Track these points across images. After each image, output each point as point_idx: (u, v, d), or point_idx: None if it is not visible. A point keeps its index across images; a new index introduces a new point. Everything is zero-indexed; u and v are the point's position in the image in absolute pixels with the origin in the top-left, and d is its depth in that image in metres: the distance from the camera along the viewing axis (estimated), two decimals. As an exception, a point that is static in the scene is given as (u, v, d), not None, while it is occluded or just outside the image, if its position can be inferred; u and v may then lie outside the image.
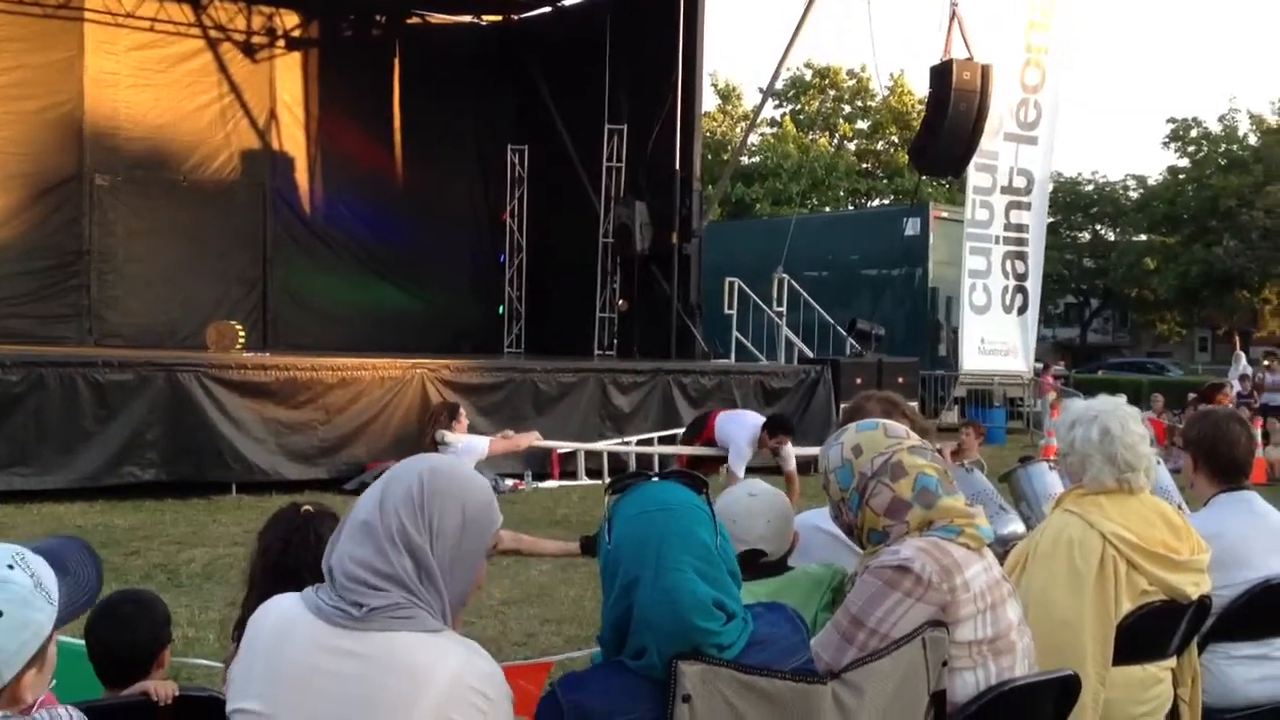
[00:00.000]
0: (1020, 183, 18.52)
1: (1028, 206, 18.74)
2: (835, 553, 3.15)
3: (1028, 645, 2.68)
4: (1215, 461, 3.99)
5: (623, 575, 2.13)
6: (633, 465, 13.73)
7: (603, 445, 13.67)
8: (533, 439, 9.51)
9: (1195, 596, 3.37)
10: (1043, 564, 3.38)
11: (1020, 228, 18.60)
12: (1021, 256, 18.67)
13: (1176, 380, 30.61)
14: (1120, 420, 3.44)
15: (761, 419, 10.76)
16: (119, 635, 3.06)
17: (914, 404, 16.44)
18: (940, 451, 5.43)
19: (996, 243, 18.37)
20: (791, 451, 10.51)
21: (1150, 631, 3.36)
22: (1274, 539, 3.90)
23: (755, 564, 2.98)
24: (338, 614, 2.03)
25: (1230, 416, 4.22)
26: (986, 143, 17.58)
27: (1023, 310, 18.71)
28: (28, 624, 1.86)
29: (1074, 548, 3.34)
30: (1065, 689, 2.78)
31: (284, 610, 2.12)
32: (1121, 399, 3.61)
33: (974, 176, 18.03)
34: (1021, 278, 18.60)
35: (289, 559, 2.81)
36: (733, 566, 2.19)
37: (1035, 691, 2.71)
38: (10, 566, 1.88)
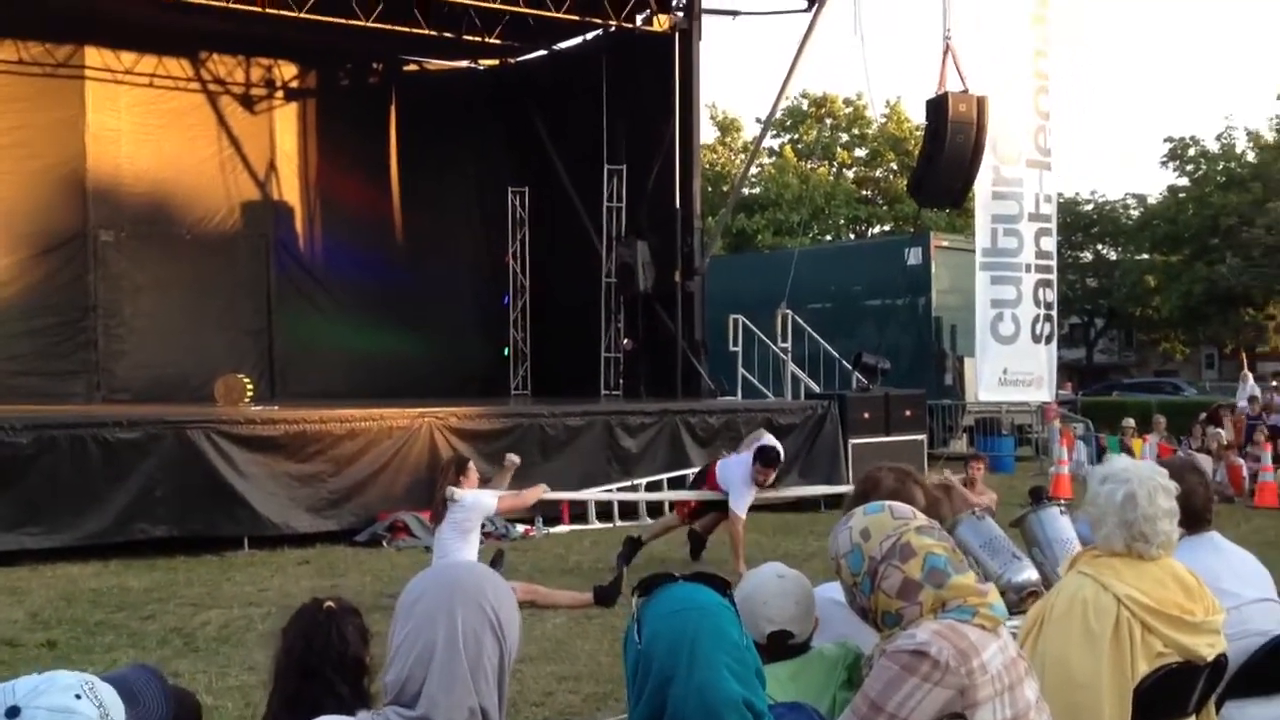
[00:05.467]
0: (1047, 209, 18.53)
1: (1051, 233, 18.76)
2: (853, 626, 3.15)
3: (1047, 723, 2.69)
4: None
5: (656, 673, 2.16)
6: (643, 509, 13.75)
7: (610, 495, 13.60)
8: (540, 493, 9.57)
9: (1211, 657, 3.38)
10: (1058, 626, 3.40)
11: (1049, 254, 18.60)
12: (1050, 284, 18.66)
13: (1194, 401, 30.30)
14: (1149, 490, 3.44)
15: (751, 455, 10.89)
16: None
17: (923, 436, 16.51)
18: (975, 512, 5.46)
19: (1028, 271, 18.30)
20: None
21: (1168, 692, 3.36)
22: (1241, 570, 4.11)
23: (784, 645, 3.00)
24: None
25: (1186, 466, 4.30)
26: (1008, 170, 17.65)
27: (1049, 339, 18.68)
28: None
29: (1089, 610, 3.36)
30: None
31: None
32: (1160, 469, 3.62)
33: (993, 205, 18.03)
34: (1050, 306, 18.58)
35: (312, 657, 2.81)
36: (759, 666, 2.22)
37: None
38: (78, 696, 1.86)
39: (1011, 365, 18.29)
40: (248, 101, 18.72)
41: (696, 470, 12.88)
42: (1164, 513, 3.45)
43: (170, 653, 7.49)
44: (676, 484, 14.15)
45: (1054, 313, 18.92)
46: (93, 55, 17.29)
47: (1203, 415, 21.72)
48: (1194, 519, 4.04)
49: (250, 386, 15.17)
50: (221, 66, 18.49)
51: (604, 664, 7.07)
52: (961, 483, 11.59)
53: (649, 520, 13.16)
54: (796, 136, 47.82)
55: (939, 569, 2.64)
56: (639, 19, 18.08)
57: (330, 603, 2.89)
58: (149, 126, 17.73)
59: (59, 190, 17.00)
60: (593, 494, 13.41)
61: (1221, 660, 3.43)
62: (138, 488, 11.34)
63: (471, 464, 9.31)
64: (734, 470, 10.87)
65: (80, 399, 16.34)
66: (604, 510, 13.64)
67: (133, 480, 11.34)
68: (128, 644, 7.73)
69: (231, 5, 15.82)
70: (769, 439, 11.43)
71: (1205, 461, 14.54)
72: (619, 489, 13.78)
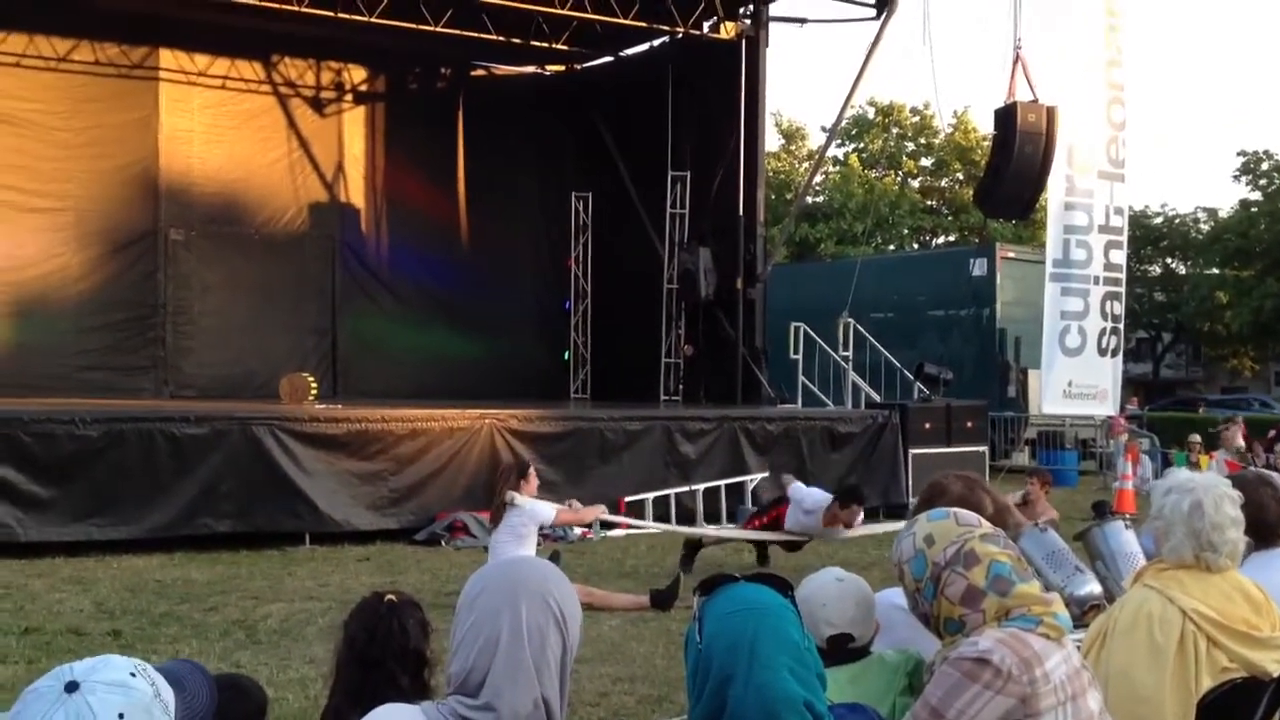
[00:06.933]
0: (1117, 221, 18.31)
1: (1121, 245, 18.53)
2: (915, 631, 3.14)
3: (1110, 733, 2.66)
4: (1247, 525, 3.99)
5: (716, 673, 2.17)
6: (700, 514, 13.74)
7: (668, 527, 12.68)
8: (598, 513, 9.65)
9: (1276, 674, 3.33)
10: (1123, 640, 3.37)
11: (1118, 267, 18.37)
12: (1118, 297, 18.42)
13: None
14: (1215, 499, 3.41)
15: (828, 495, 10.49)
16: None
17: (984, 448, 16.36)
18: (1038, 524, 5.40)
19: (1096, 283, 18.08)
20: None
21: (1231, 708, 3.32)
22: None
23: (843, 649, 3.00)
24: None
25: (1259, 480, 4.22)
26: (1080, 181, 17.44)
27: (1115, 352, 18.44)
28: None
29: (1154, 623, 3.33)
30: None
31: None
32: (1223, 479, 3.58)
33: (1066, 216, 17.82)
34: (1117, 319, 18.34)
35: (374, 649, 2.85)
36: (820, 669, 2.22)
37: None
38: (132, 674, 1.92)
39: (1077, 378, 18.03)
40: (317, 104, 18.95)
41: (765, 497, 12.69)
42: (1231, 521, 3.42)
43: (232, 644, 7.60)
44: (734, 491, 14.16)
45: (1121, 326, 18.65)
46: (166, 57, 17.58)
47: (1271, 433, 21.39)
48: (1264, 533, 3.99)
49: (314, 385, 15.34)
50: (292, 69, 18.74)
51: (659, 667, 7.08)
52: (1023, 498, 11.46)
53: (706, 528, 13.16)
54: (862, 145, 47.60)
55: (1003, 576, 2.62)
56: (706, 26, 18.06)
57: (392, 596, 2.93)
58: (220, 128, 18.00)
59: (131, 189, 17.31)
60: (650, 525, 12.74)
61: (1288, 677, 3.38)
62: (203, 482, 11.51)
63: (533, 469, 9.39)
64: (807, 496, 10.53)
65: (148, 394, 16.62)
66: (661, 514, 13.64)
67: (198, 475, 11.51)
68: (191, 635, 7.84)
69: (303, 9, 16.02)
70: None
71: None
72: (676, 494, 13.73)
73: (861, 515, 10.63)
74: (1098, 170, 17.86)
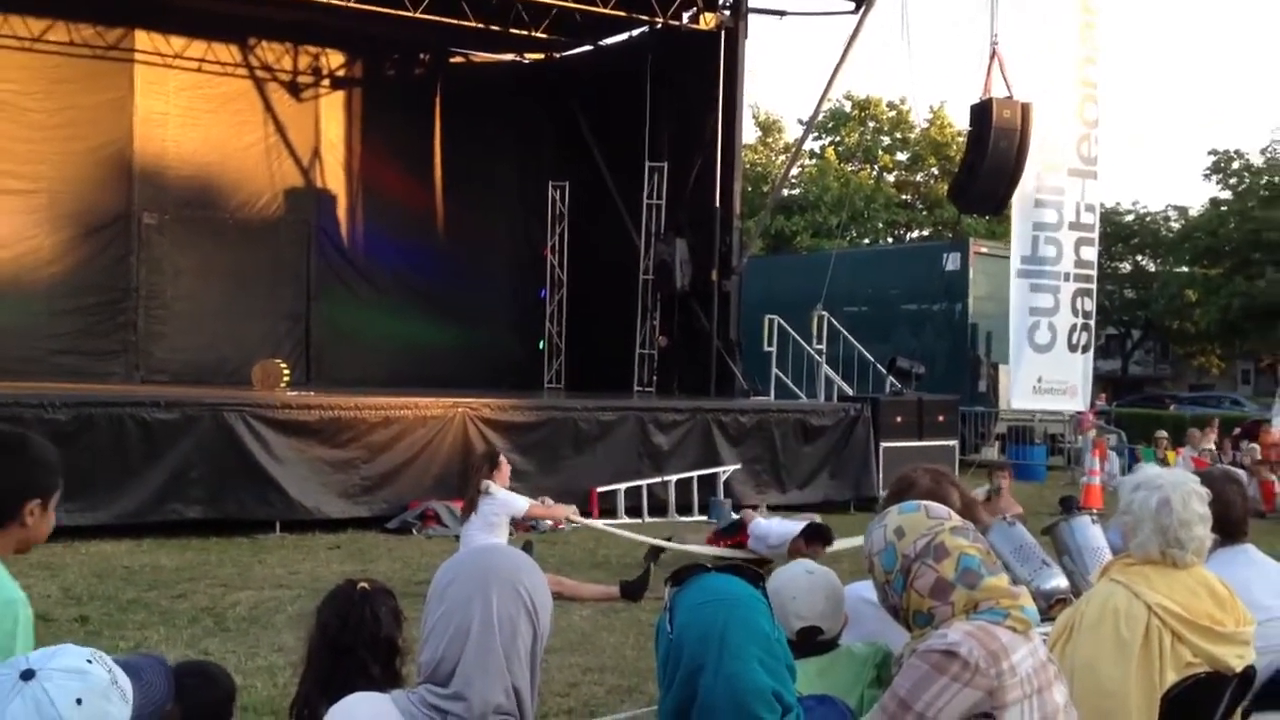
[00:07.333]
0: (1088, 219, 18.39)
1: (1092, 243, 18.62)
2: (884, 624, 3.16)
3: (1074, 727, 2.69)
4: (1213, 521, 4.05)
5: (687, 663, 2.18)
6: (672, 505, 13.77)
7: (639, 536, 11.74)
8: (568, 512, 9.76)
9: (1239, 669, 3.37)
10: (1089, 633, 3.40)
11: (1089, 264, 18.46)
12: (1089, 294, 18.51)
13: (1252, 417, 29.54)
14: (1183, 496, 3.44)
15: (796, 527, 10.34)
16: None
17: (955, 442, 16.45)
18: (1006, 518, 5.44)
19: (1066, 280, 18.17)
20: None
21: (1194, 703, 3.36)
22: (1276, 582, 4.08)
23: (812, 641, 3.02)
24: None
25: (1225, 477, 4.28)
26: (1050, 178, 17.50)
27: (1086, 348, 18.54)
28: (104, 716, 1.91)
29: (1120, 618, 3.36)
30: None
31: (374, 714, 2.16)
32: (1191, 476, 3.62)
33: (1035, 213, 17.89)
34: (1088, 315, 18.44)
35: (346, 636, 2.86)
36: (789, 660, 2.23)
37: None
38: (89, 661, 1.94)
39: (1046, 374, 18.11)
40: (294, 89, 18.84)
41: (727, 468, 12.81)
42: (1198, 518, 3.45)
43: (200, 632, 7.58)
44: (706, 482, 14.19)
45: (1092, 322, 18.74)
46: (143, 39, 17.44)
47: (1237, 430, 21.58)
48: (1230, 530, 4.04)
49: (287, 372, 15.29)
50: (269, 53, 18.62)
51: (629, 657, 7.10)
52: (989, 493, 11.55)
53: (679, 518, 13.16)
54: (838, 139, 47.69)
55: (972, 570, 2.65)
56: (685, 16, 18.06)
57: (365, 583, 2.94)
58: (196, 111, 17.87)
59: (105, 172, 17.18)
60: (623, 530, 11.88)
61: (1250, 672, 3.42)
62: (173, 468, 11.46)
63: (503, 458, 9.39)
64: (770, 530, 10.41)
65: (119, 379, 16.51)
66: (633, 505, 13.65)
67: (168, 461, 11.46)
68: (159, 621, 7.82)
69: (281, -8, 15.92)
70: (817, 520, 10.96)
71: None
72: (648, 484, 13.72)
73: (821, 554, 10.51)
74: (1068, 168, 17.93)
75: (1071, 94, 17.83)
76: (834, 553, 10.10)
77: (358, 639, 2.82)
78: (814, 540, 10.11)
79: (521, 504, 8.99)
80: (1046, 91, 16.82)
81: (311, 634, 2.94)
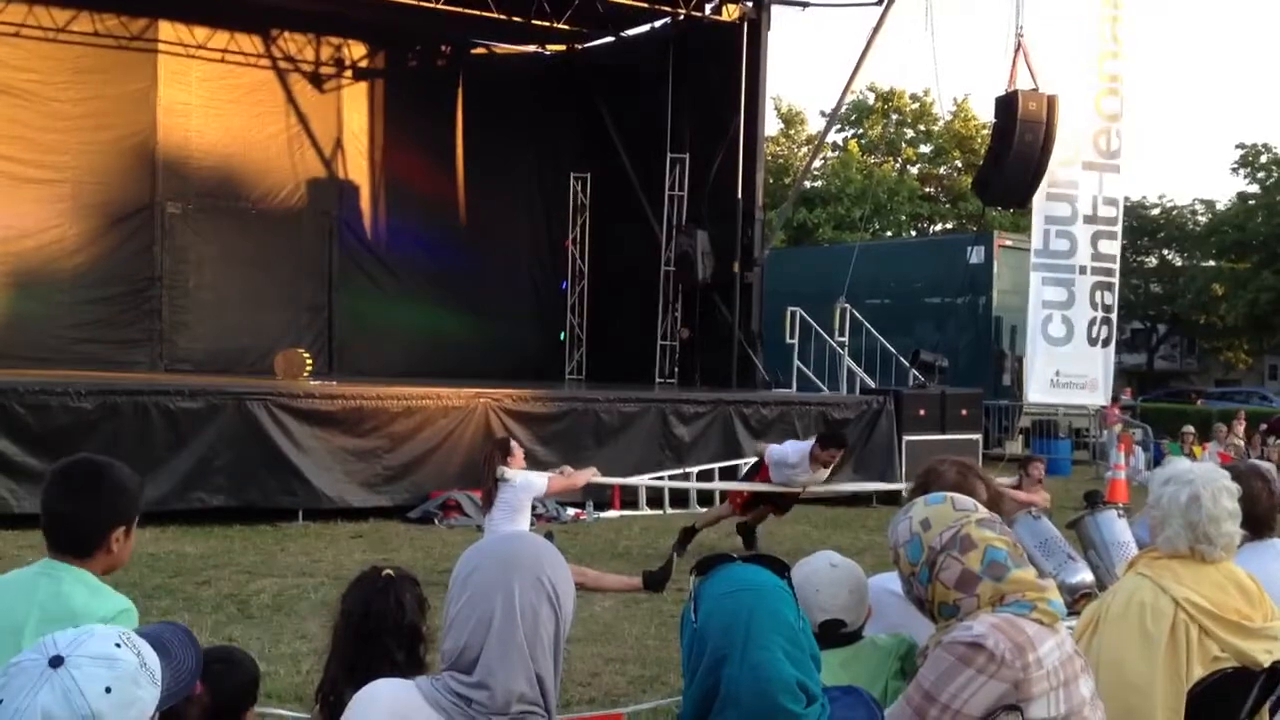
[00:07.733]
0: (1108, 212, 18.25)
1: (1114, 236, 18.47)
2: (908, 616, 3.15)
3: (1101, 720, 2.67)
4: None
5: (710, 653, 2.16)
6: (693, 497, 13.76)
7: (661, 482, 13.56)
8: (590, 475, 9.50)
9: (1267, 664, 3.34)
10: (1114, 627, 3.37)
11: (1109, 257, 18.32)
12: (1110, 287, 18.38)
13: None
14: (1213, 491, 3.41)
15: (805, 443, 10.79)
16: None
17: (978, 435, 16.38)
18: (1031, 512, 5.42)
19: (1082, 273, 18.04)
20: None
21: (1221, 698, 3.33)
22: None
23: (835, 634, 3.00)
24: None
25: (1252, 472, 4.22)
26: (1062, 172, 17.37)
27: (1107, 342, 18.42)
28: (134, 702, 1.89)
29: (1146, 612, 3.33)
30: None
31: (398, 700, 2.16)
32: (1222, 471, 3.58)
33: (1046, 206, 17.77)
34: (1109, 309, 18.30)
35: (370, 623, 2.86)
36: (814, 650, 2.22)
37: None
38: (118, 645, 1.92)
39: (1064, 368, 18.02)
40: (317, 80, 18.89)
41: (750, 461, 12.87)
42: (1228, 514, 3.42)
43: (224, 618, 7.61)
44: (728, 474, 14.16)
45: (1113, 316, 18.62)
46: (166, 30, 17.50)
47: (1263, 426, 21.43)
48: (1257, 525, 4.00)
49: (309, 361, 15.33)
50: (292, 44, 18.66)
51: (651, 648, 7.10)
52: (1019, 483, 11.51)
53: (699, 509, 13.16)
54: (861, 131, 47.51)
55: (999, 562, 2.63)
56: (708, 8, 18.01)
57: (389, 570, 2.94)
58: (219, 101, 17.93)
59: (129, 162, 17.25)
60: (643, 480, 13.38)
61: (1277, 667, 3.39)
62: (197, 457, 11.51)
63: (514, 443, 9.25)
64: (786, 451, 10.77)
65: (142, 368, 16.60)
66: (654, 497, 13.65)
67: (192, 449, 11.51)
68: (183, 608, 7.85)
69: (304, -17, 15.95)
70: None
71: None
72: (670, 476, 13.78)
73: (836, 459, 10.82)
74: (1083, 161, 17.80)
75: (1089, 87, 17.70)
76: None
77: (382, 625, 2.83)
78: (829, 445, 10.43)
79: (540, 481, 8.72)
80: (1064, 84, 16.71)
81: (336, 620, 2.95)
